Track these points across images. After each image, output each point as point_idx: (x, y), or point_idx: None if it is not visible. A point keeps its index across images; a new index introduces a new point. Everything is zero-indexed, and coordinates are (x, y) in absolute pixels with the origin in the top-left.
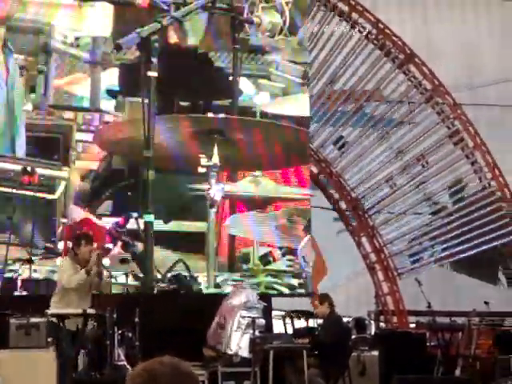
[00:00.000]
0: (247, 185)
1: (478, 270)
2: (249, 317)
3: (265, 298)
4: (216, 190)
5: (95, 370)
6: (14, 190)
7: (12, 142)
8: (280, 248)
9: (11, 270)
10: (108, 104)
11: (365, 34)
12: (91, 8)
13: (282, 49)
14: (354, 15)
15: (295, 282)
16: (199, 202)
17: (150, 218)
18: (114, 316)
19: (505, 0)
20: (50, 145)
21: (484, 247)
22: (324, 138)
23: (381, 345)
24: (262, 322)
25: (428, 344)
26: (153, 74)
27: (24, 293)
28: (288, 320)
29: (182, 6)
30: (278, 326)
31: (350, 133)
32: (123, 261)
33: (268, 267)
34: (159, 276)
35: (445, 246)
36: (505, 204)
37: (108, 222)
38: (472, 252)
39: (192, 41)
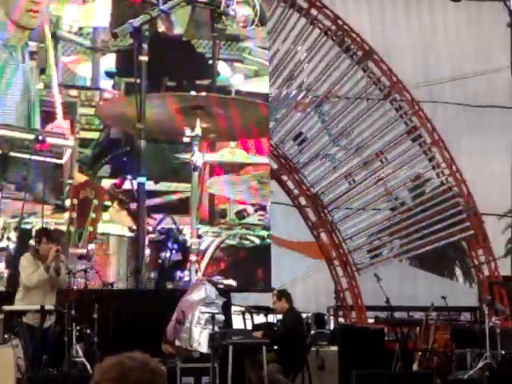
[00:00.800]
0: (224, 153)
1: (435, 265)
2: (208, 312)
3: (224, 293)
4: (198, 157)
5: (53, 366)
6: (29, 156)
7: (28, 116)
8: (253, 205)
9: (27, 223)
10: (106, 83)
11: (324, 30)
12: (92, 3)
13: (254, 37)
14: (313, 11)
15: (265, 233)
16: (184, 167)
17: (143, 179)
18: (73, 312)
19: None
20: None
21: (441, 243)
22: (284, 134)
23: (340, 340)
24: (221, 317)
25: (386, 339)
26: (144, 58)
27: None
28: (247, 315)
29: (168, 0)
30: (237, 322)
31: (310, 129)
32: None
33: (243, 221)
34: (150, 228)
35: (403, 241)
36: (462, 200)
37: (107, 184)
38: (430, 247)
39: (177, 30)
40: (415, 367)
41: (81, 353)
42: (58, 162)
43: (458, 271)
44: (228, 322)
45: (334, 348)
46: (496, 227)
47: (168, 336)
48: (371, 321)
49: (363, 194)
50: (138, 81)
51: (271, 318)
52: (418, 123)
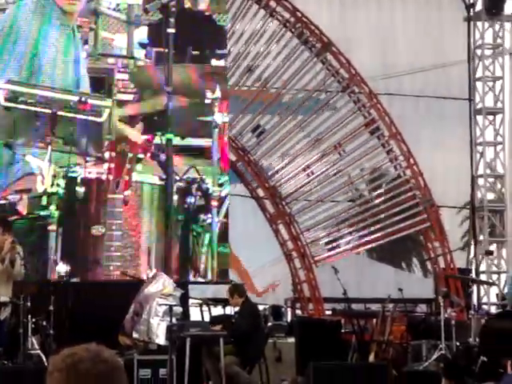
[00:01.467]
0: None
1: (393, 258)
2: (166, 304)
3: (182, 285)
4: (218, 116)
5: (8, 358)
6: (74, 115)
7: (77, 81)
8: None
9: (73, 171)
10: (140, 53)
11: (283, 22)
12: None
13: None
14: (272, 3)
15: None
16: (206, 125)
17: (170, 136)
18: (28, 304)
19: None
20: (99, 83)
21: (399, 235)
22: (242, 126)
23: (297, 332)
24: (179, 309)
25: (343, 331)
26: (171, 30)
27: None
28: (205, 308)
29: None
30: (195, 314)
31: (268, 121)
32: None
33: None
34: (177, 178)
35: (361, 233)
36: (419, 192)
37: (140, 138)
38: (387, 239)
39: (201, 6)
40: (371, 358)
41: (36, 345)
42: (98, 120)
43: (415, 263)
44: (185, 314)
45: (291, 340)
46: (453, 220)
47: (125, 328)
48: (328, 313)
49: (321, 186)
50: (167, 50)
51: (229, 310)
52: (376, 116)
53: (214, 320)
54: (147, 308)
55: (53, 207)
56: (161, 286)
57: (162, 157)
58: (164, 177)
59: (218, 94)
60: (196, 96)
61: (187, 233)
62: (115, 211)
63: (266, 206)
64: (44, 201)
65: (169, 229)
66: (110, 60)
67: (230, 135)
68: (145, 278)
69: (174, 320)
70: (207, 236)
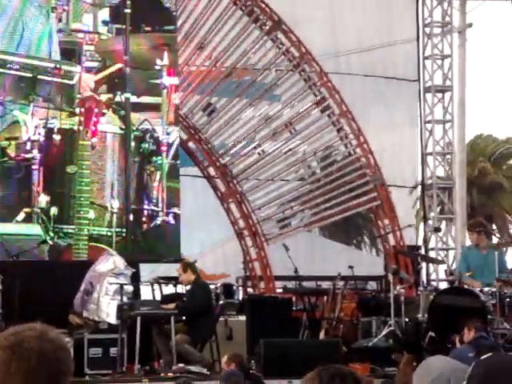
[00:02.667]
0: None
1: (344, 235)
2: (116, 283)
3: (133, 264)
4: (166, 79)
5: None
6: (50, 78)
7: (50, 51)
8: None
9: (51, 123)
10: (103, 29)
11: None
12: None
13: None
14: None
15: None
16: (157, 86)
17: (128, 94)
18: None
19: None
20: (70, 53)
21: (350, 213)
22: (193, 105)
23: (248, 310)
24: (129, 288)
25: (294, 308)
26: (127, 10)
27: None
28: (156, 286)
29: None
30: (146, 293)
31: (219, 99)
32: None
33: None
34: (134, 128)
35: (313, 211)
36: (369, 171)
37: (104, 97)
38: (338, 217)
39: None
40: (322, 336)
41: None
42: (70, 82)
43: (366, 241)
44: (136, 292)
45: (243, 318)
46: (403, 198)
47: (75, 307)
48: (279, 291)
49: (272, 165)
50: (124, 27)
51: (180, 289)
52: (326, 94)
53: (165, 299)
54: (98, 287)
55: (35, 151)
56: (111, 265)
57: (122, 112)
58: (123, 127)
59: (165, 61)
60: (148, 63)
61: (142, 171)
62: (85, 154)
63: (217, 184)
64: (28, 146)
65: (127, 168)
66: (80, 35)
67: (181, 113)
68: (108, 206)
69: (124, 299)
70: (158, 174)
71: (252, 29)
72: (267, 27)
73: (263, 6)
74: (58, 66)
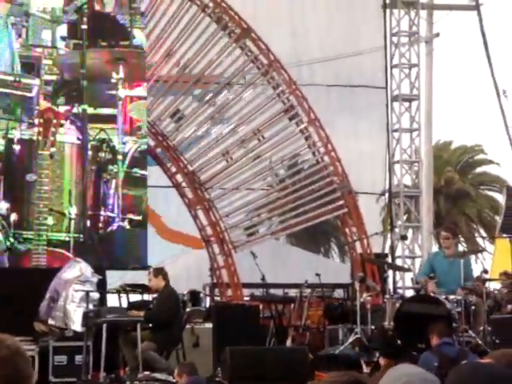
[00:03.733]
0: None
1: (312, 243)
2: (82, 290)
3: (99, 271)
4: (121, 91)
5: None
6: (10, 90)
7: (12, 65)
8: None
9: (11, 134)
10: (61, 44)
11: (201, 7)
12: None
13: None
14: None
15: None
16: (112, 98)
17: (85, 106)
18: None
19: None
20: (30, 66)
21: (317, 220)
22: (161, 111)
23: (215, 317)
24: (95, 295)
25: (261, 316)
26: (84, 27)
27: None
28: (123, 294)
29: None
30: (112, 300)
31: (187, 106)
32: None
33: None
34: (91, 138)
35: (281, 218)
36: (336, 178)
37: (62, 109)
38: (306, 225)
39: (107, 8)
40: (289, 343)
41: None
42: (29, 94)
43: (333, 249)
44: (103, 300)
45: (209, 325)
46: (370, 206)
47: (41, 314)
48: (247, 298)
49: (240, 172)
50: (81, 42)
51: (147, 297)
52: (294, 102)
53: (132, 306)
54: (64, 294)
55: None
56: (78, 272)
57: (79, 123)
58: (81, 137)
59: (121, 74)
60: (104, 76)
61: (99, 179)
62: (44, 163)
63: (185, 191)
64: None
65: (85, 176)
66: (39, 49)
67: (149, 120)
68: (66, 212)
69: (90, 306)
70: (113, 181)
71: (220, 36)
72: (236, 35)
73: (232, 13)
74: (17, 79)
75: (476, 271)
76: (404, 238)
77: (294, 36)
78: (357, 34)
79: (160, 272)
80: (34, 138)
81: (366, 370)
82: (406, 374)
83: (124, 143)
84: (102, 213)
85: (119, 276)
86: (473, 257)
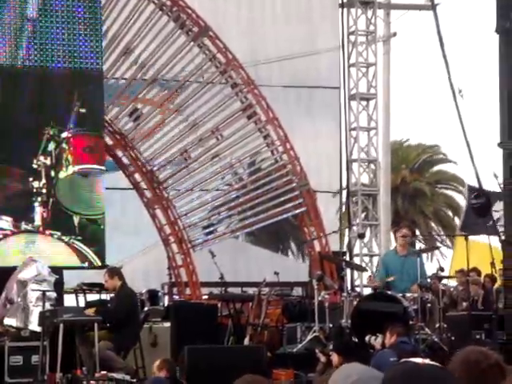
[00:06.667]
0: None
1: (271, 242)
2: (39, 290)
3: (56, 271)
4: None
5: None
6: None
7: None
8: None
9: None
10: None
11: (159, 5)
12: None
13: None
14: None
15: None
16: None
17: None
18: None
19: None
20: None
21: (276, 219)
22: (118, 110)
23: (173, 316)
24: (52, 295)
25: (220, 314)
26: None
27: None
28: (80, 293)
29: None
30: (70, 300)
31: (145, 105)
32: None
33: None
34: None
35: (239, 217)
36: (295, 177)
37: None
38: (264, 223)
39: None
40: (247, 342)
41: None
42: None
43: (292, 247)
44: (60, 299)
45: (168, 324)
46: (328, 205)
47: None
48: (205, 297)
49: (199, 171)
50: None
51: (104, 296)
52: (253, 101)
53: (89, 305)
54: (20, 294)
55: None
56: (35, 272)
57: None
58: None
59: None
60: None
61: None
62: None
63: (143, 191)
64: None
65: None
66: None
67: (107, 119)
68: None
69: (47, 306)
70: None
71: (178, 34)
72: (193, 33)
73: (190, 11)
74: None
75: (432, 269)
76: (362, 236)
77: (250, 35)
78: (314, 34)
79: (115, 272)
80: None
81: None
82: (356, 372)
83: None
84: None
85: (76, 275)
86: (426, 254)
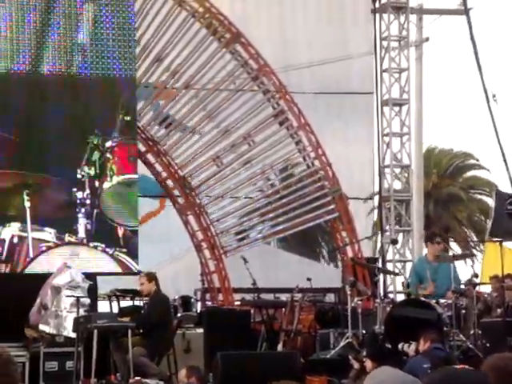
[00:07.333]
0: None
1: (303, 248)
2: (73, 296)
3: (90, 277)
4: None
5: None
6: None
7: None
8: None
9: None
10: None
11: (191, 12)
12: None
13: None
14: None
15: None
16: None
17: None
18: None
19: None
20: None
21: (308, 225)
22: (151, 117)
23: (206, 322)
24: (86, 301)
25: (252, 320)
26: None
27: None
28: (113, 299)
29: None
30: (103, 306)
31: (178, 111)
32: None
33: None
34: None
35: (272, 223)
36: (327, 183)
37: None
38: (297, 229)
39: None
40: (280, 348)
41: None
42: None
43: (324, 253)
44: (94, 305)
45: (201, 330)
46: (360, 210)
47: (31, 320)
48: (238, 303)
49: (231, 177)
50: None
51: (138, 302)
52: (285, 107)
53: (123, 311)
54: (54, 300)
55: None
56: (68, 278)
57: None
58: None
59: None
60: None
61: None
62: None
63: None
64: None
65: None
66: None
67: (139, 125)
68: None
69: (81, 312)
70: None
71: (210, 41)
72: (226, 40)
73: (222, 18)
74: None
75: (466, 275)
76: (394, 242)
77: (282, 41)
78: (346, 39)
79: (153, 277)
80: None
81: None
82: (389, 377)
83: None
84: None
85: (110, 281)
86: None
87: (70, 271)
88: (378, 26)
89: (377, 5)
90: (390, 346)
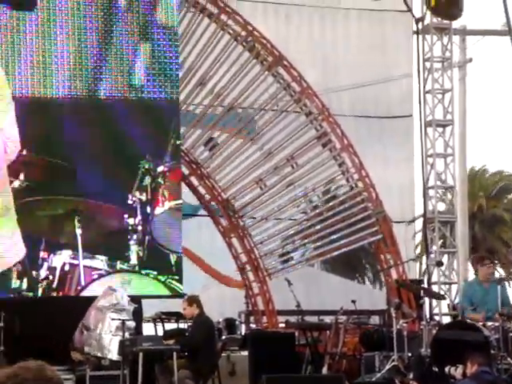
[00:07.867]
0: None
1: (346, 270)
2: (118, 319)
3: (135, 300)
4: None
5: None
6: None
7: None
8: None
9: None
10: None
11: (234, 36)
12: None
13: None
14: (223, 17)
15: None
16: None
17: None
18: None
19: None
20: None
21: (352, 246)
22: (194, 139)
23: (250, 345)
24: (131, 324)
25: (297, 343)
26: None
27: None
28: (158, 322)
29: None
30: (148, 328)
31: (221, 134)
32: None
33: None
34: None
35: (315, 245)
36: (370, 204)
37: None
38: (340, 251)
39: None
40: (325, 371)
41: None
42: None
43: (368, 275)
44: (138, 328)
45: (245, 353)
46: (404, 232)
47: (77, 343)
48: (282, 325)
49: (274, 199)
50: None
51: (182, 325)
52: (327, 129)
53: (168, 334)
54: (100, 323)
55: None
56: (114, 301)
57: None
58: None
59: None
60: None
61: None
62: None
63: (219, 219)
64: None
65: None
66: None
67: (183, 148)
68: None
69: (126, 335)
70: None
71: (253, 64)
72: (268, 63)
73: (264, 41)
74: None
75: None
76: (440, 264)
77: (323, 63)
78: (386, 61)
79: (194, 300)
80: None
81: None
82: None
83: None
84: None
85: (154, 304)
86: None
87: (115, 294)
88: (421, 47)
89: (420, 26)
90: (436, 369)
